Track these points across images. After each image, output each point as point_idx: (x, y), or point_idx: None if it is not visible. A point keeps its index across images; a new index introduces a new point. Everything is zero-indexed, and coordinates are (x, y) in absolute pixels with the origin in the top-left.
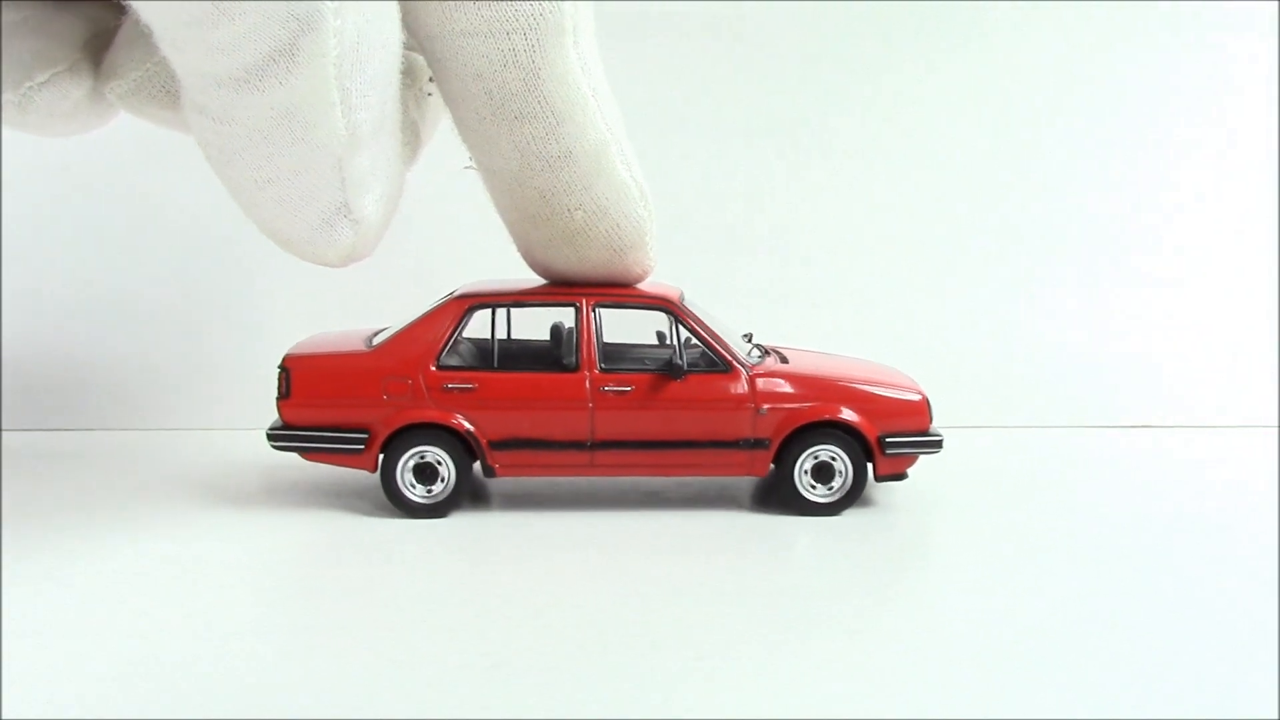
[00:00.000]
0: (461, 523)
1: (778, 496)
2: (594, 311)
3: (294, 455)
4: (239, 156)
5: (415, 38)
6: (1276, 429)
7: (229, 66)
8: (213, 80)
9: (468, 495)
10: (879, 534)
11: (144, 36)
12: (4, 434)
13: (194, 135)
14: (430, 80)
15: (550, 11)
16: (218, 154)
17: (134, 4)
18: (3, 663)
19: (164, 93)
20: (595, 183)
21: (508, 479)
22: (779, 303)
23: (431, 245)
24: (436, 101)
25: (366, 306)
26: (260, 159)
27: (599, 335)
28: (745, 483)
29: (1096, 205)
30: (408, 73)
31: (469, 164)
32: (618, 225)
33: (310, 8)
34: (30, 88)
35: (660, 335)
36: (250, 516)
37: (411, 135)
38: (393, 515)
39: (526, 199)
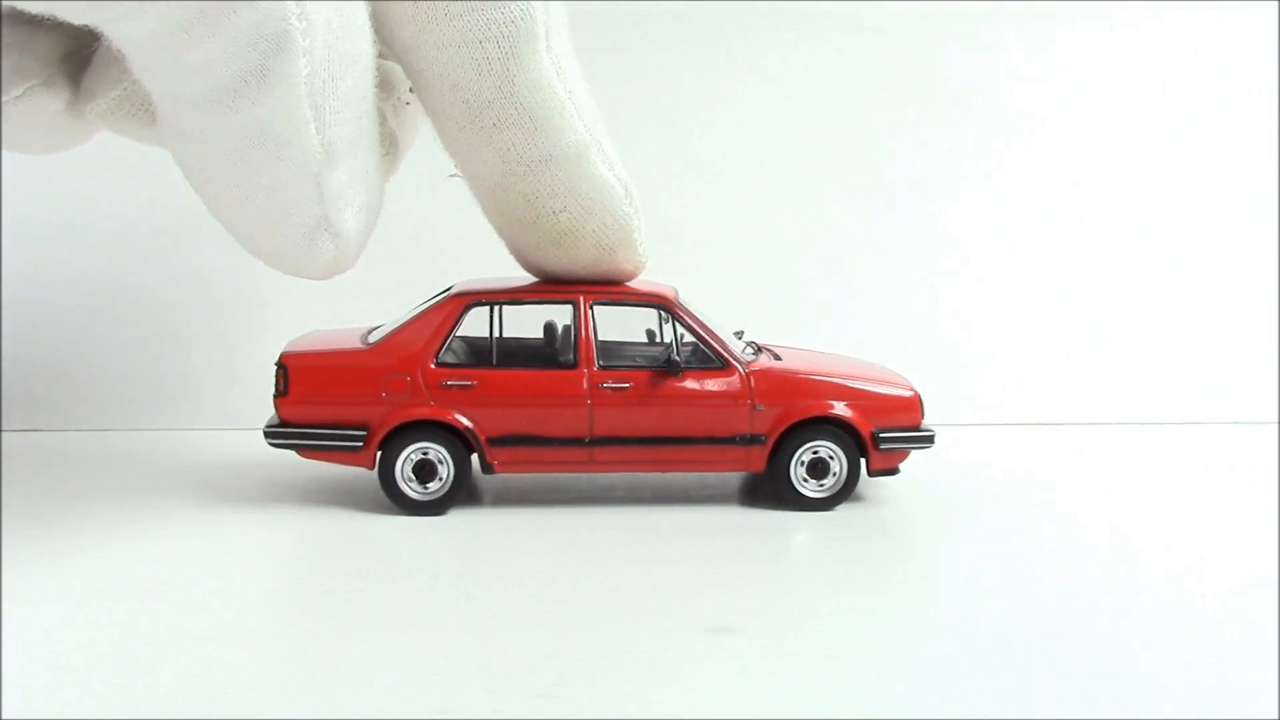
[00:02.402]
0: (460, 519)
1: (772, 492)
2: (591, 309)
3: (290, 453)
4: (215, 175)
5: (392, 50)
6: (1277, 425)
7: (200, 88)
8: (185, 102)
9: (465, 492)
10: (872, 529)
11: (121, 56)
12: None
13: (171, 154)
14: (410, 90)
15: (522, 19)
16: (195, 173)
17: (103, 29)
18: (3, 663)
19: (142, 111)
20: (578, 184)
21: (505, 475)
22: (765, 301)
23: (420, 241)
24: (415, 110)
25: (356, 304)
26: (237, 177)
27: (596, 333)
28: (739, 478)
29: (1093, 200)
30: (385, 84)
31: (453, 172)
32: (604, 225)
33: (279, 29)
34: (5, 102)
35: (650, 333)
36: (248, 515)
37: (390, 145)
38: (391, 512)
39: (511, 204)
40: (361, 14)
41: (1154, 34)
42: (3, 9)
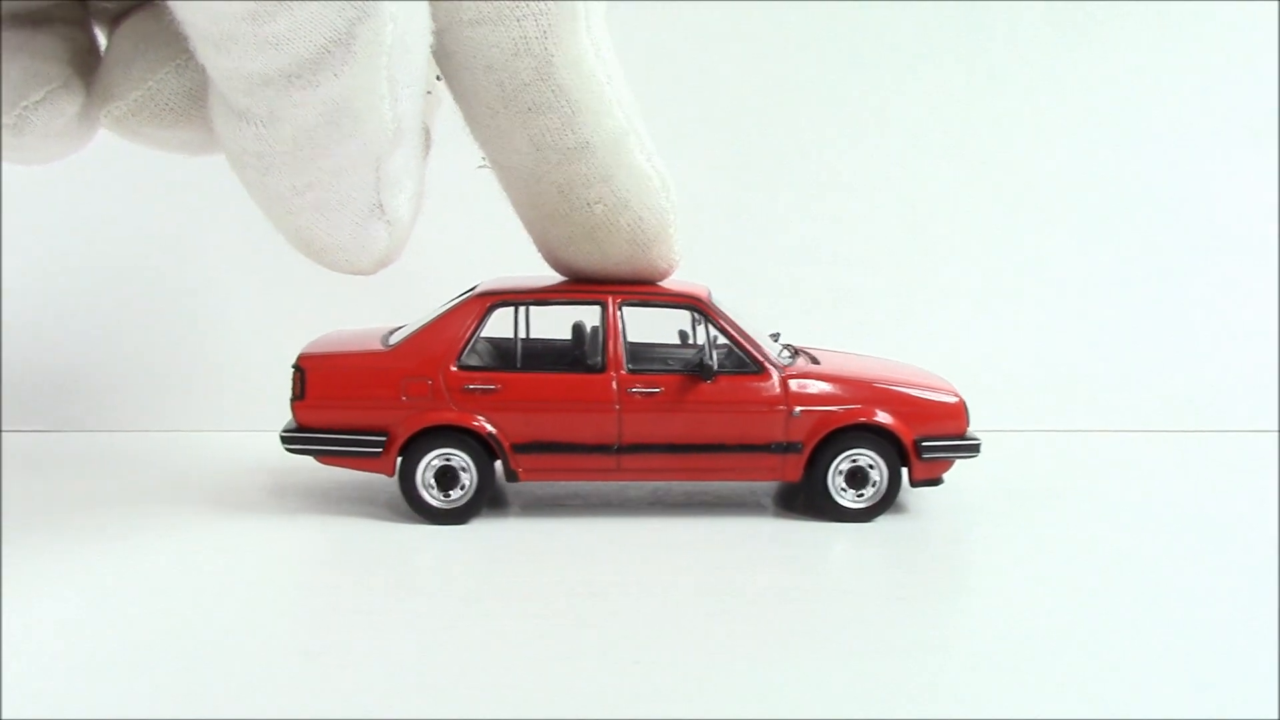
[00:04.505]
0: (483, 528)
1: (809, 502)
2: (620, 310)
3: (308, 459)
4: (280, 162)
5: None
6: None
7: (281, 62)
8: (260, 80)
9: (489, 500)
10: (913, 541)
11: (142, 54)
12: (12, 435)
13: (226, 147)
14: (438, 79)
15: None
16: (256, 162)
17: (175, 5)
18: (2, 663)
19: (166, 111)
20: (615, 173)
21: (530, 483)
22: (802, 302)
23: (443, 239)
24: (433, 101)
25: (377, 304)
26: (303, 162)
27: (625, 335)
28: (772, 487)
29: (1115, 210)
30: None
31: (482, 163)
32: (640, 218)
33: None
34: (26, 107)
35: (683, 335)
36: (263, 522)
37: (425, 134)
38: (412, 521)
39: (544, 195)
40: None
41: (1164, 42)
42: (6, 7)
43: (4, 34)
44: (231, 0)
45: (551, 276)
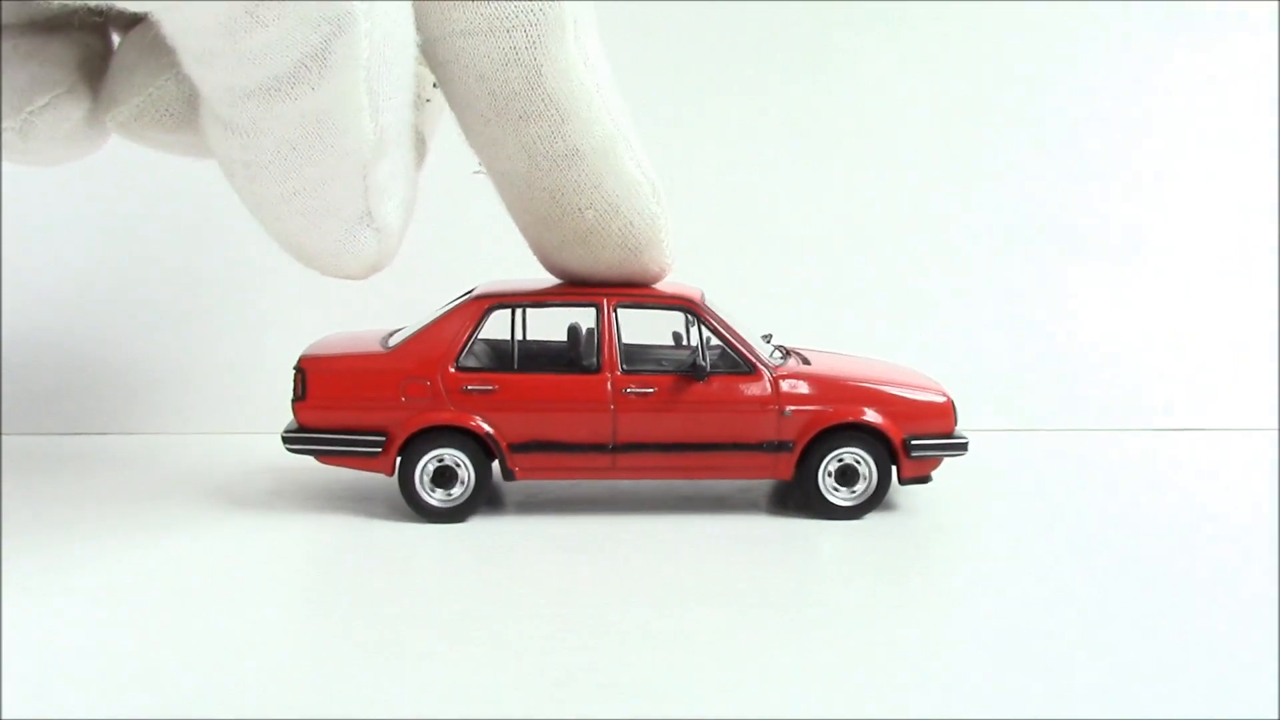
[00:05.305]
0: (480, 526)
1: (800, 499)
2: (615, 312)
3: (308, 459)
4: (265, 170)
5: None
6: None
7: (259, 76)
8: (241, 92)
9: (486, 499)
10: (902, 538)
11: (145, 61)
12: (8, 438)
13: (216, 154)
14: (434, 86)
15: (550, 7)
16: (243, 170)
17: (159, 18)
18: (2, 662)
19: (167, 116)
20: (605, 180)
21: (527, 481)
22: (793, 304)
23: (440, 242)
24: (434, 108)
25: (377, 306)
26: (287, 171)
27: (620, 336)
28: (766, 485)
29: (1104, 208)
30: None
31: (478, 169)
32: (631, 223)
33: (342, 9)
34: (31, 112)
35: (676, 336)
36: (264, 521)
37: (418, 142)
38: (410, 519)
39: (536, 200)
40: None
41: (1163, 40)
42: (20, 14)
43: (16, 40)
44: (210, 9)
45: (547, 279)
